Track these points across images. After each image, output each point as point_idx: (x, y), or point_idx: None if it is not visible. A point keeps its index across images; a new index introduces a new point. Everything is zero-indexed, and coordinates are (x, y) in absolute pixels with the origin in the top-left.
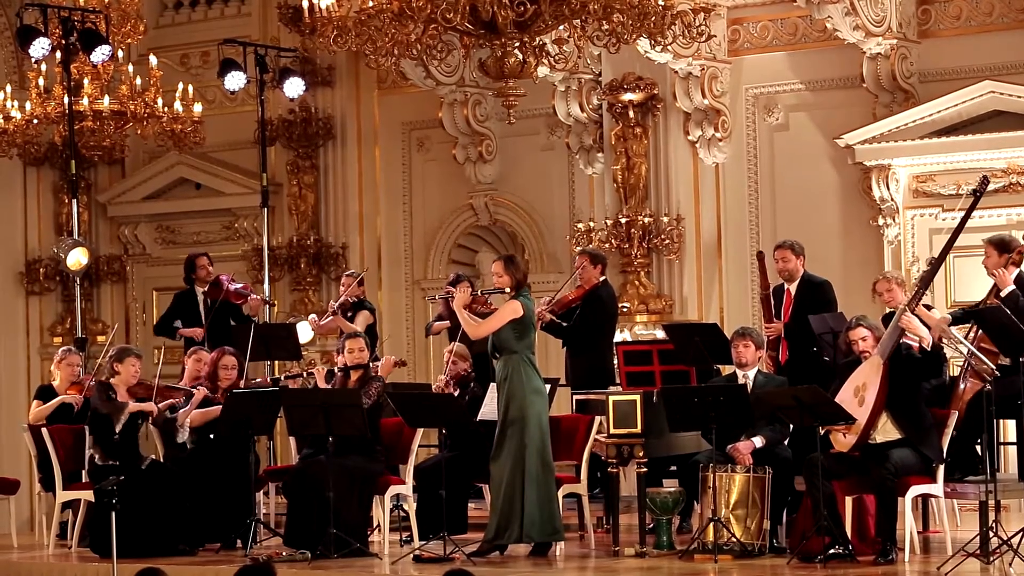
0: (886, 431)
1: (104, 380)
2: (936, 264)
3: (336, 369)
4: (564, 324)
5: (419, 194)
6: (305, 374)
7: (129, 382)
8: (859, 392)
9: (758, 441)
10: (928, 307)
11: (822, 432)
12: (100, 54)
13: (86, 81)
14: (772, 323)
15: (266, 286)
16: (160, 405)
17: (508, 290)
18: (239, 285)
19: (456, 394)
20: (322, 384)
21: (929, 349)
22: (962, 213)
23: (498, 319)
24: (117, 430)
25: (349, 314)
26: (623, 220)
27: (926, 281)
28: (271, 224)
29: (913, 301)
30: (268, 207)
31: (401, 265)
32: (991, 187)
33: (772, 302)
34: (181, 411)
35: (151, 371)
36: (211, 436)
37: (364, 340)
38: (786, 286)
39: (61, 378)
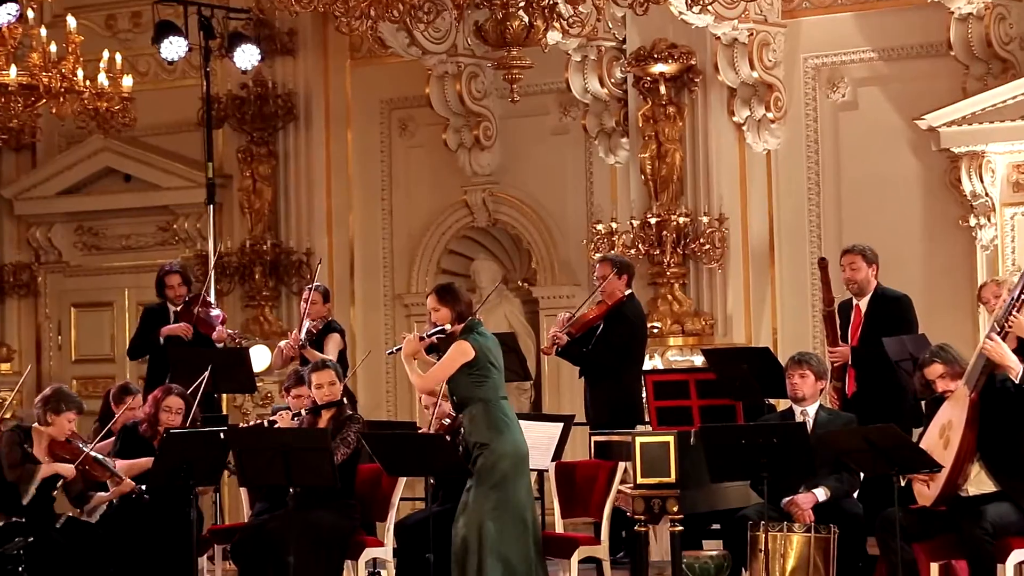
0: (980, 482)
1: (22, 427)
2: None
3: (303, 411)
4: (584, 349)
5: (401, 188)
6: (267, 423)
7: (58, 437)
8: (945, 432)
9: (821, 493)
10: None
11: (902, 483)
12: (4, 14)
13: None
14: (837, 347)
15: (217, 311)
16: (76, 468)
17: (449, 326)
18: (214, 313)
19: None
20: None
21: (1019, 382)
22: None
23: (444, 367)
24: (25, 501)
25: (314, 336)
26: (653, 220)
27: (1015, 300)
28: (218, 225)
29: (999, 324)
30: (215, 204)
31: (379, 276)
32: None
33: (837, 321)
34: (99, 494)
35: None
36: (142, 488)
37: (336, 371)
38: (855, 301)
39: None
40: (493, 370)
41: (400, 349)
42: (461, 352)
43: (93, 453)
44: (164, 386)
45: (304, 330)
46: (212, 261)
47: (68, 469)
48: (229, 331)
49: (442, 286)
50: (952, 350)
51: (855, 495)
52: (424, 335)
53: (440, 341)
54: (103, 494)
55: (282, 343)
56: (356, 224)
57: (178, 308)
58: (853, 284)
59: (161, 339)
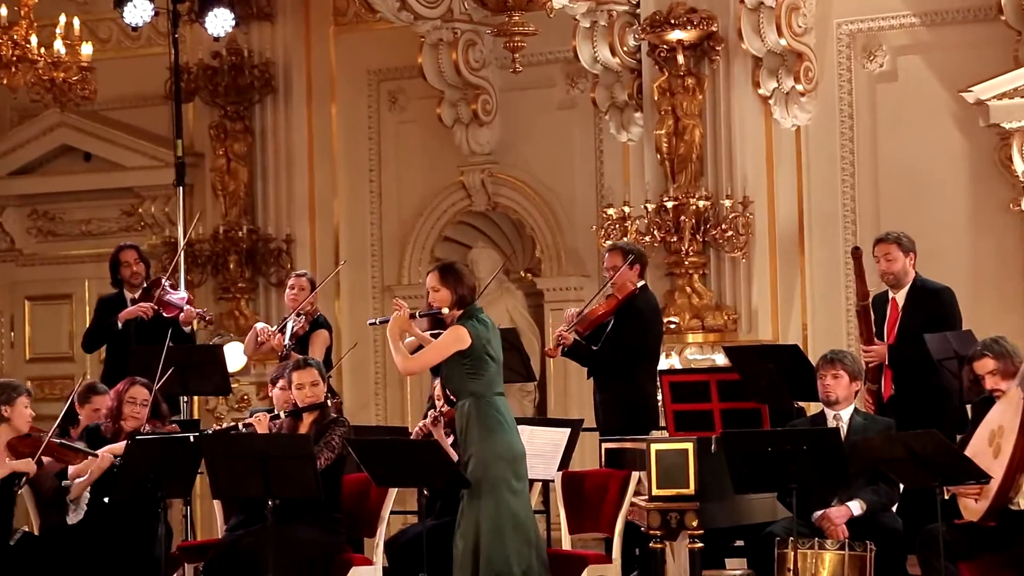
0: None
1: None
2: None
3: (282, 413)
4: (594, 348)
5: (391, 168)
6: (242, 426)
7: (21, 429)
8: (995, 439)
9: (856, 507)
10: None
11: (946, 495)
12: None
13: None
14: (872, 345)
15: (182, 293)
16: (45, 464)
17: (447, 310)
18: (178, 295)
19: (452, 441)
20: None
21: None
22: None
23: (436, 351)
24: None
25: (299, 337)
26: (669, 204)
27: None
28: (188, 209)
29: None
30: (184, 186)
31: (367, 266)
32: None
33: (872, 316)
34: (77, 481)
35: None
36: (105, 500)
37: (319, 370)
38: (891, 294)
39: None
40: (490, 363)
41: (386, 322)
42: (456, 338)
43: (57, 440)
44: (128, 378)
45: (289, 331)
46: (181, 245)
47: (26, 464)
48: (198, 310)
49: (445, 265)
50: (1006, 343)
51: (894, 509)
52: (417, 313)
53: (434, 324)
54: (82, 479)
55: (258, 325)
56: (341, 208)
57: (136, 295)
58: (889, 276)
59: (119, 324)
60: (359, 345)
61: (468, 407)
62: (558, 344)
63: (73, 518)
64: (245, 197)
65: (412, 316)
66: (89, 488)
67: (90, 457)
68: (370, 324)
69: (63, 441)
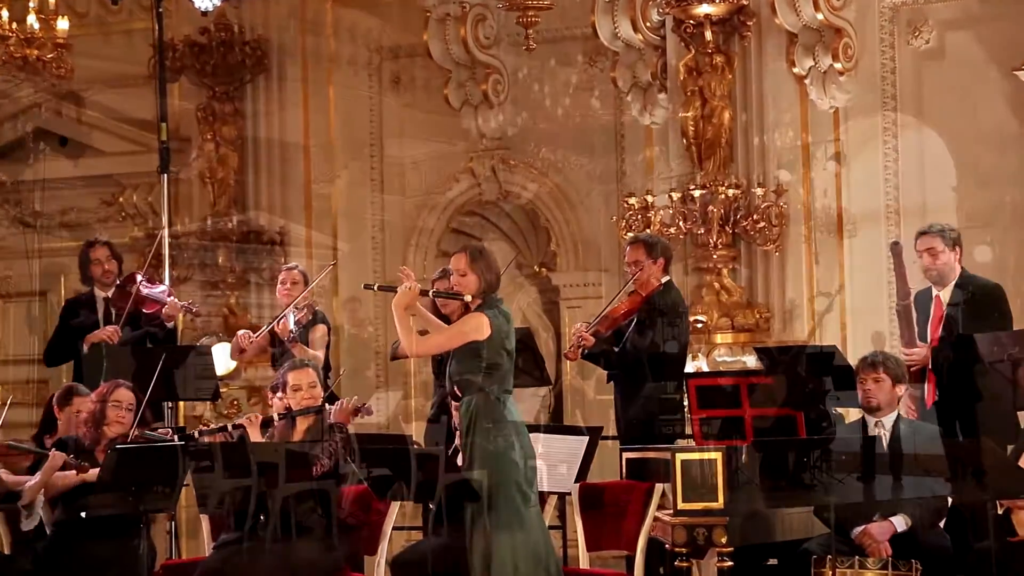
0: None
1: None
2: None
3: (276, 415)
4: (615, 349)
5: (394, 155)
6: (231, 428)
7: None
8: None
9: (899, 522)
10: None
11: (998, 510)
12: None
13: None
14: (914, 347)
15: (162, 286)
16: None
17: (470, 296)
18: (158, 289)
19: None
20: (257, 440)
21: None
22: None
23: (450, 337)
24: None
25: (301, 327)
26: (696, 193)
27: None
28: (174, 198)
29: None
30: (169, 173)
31: (368, 259)
32: None
33: (914, 316)
34: (29, 484)
35: None
36: (82, 515)
37: (316, 372)
38: (934, 291)
39: None
40: (505, 358)
41: (387, 290)
42: (476, 327)
43: (3, 442)
44: (111, 380)
45: (292, 319)
46: (164, 233)
47: None
48: (182, 303)
49: (477, 248)
50: None
51: (941, 524)
52: (431, 292)
53: (434, 308)
54: (32, 483)
55: (240, 332)
56: (339, 198)
57: (108, 293)
58: (932, 272)
59: (85, 348)
60: (358, 345)
61: (474, 404)
62: (578, 346)
63: (27, 524)
64: (235, 185)
65: (423, 293)
66: (43, 493)
67: (41, 454)
68: (365, 288)
69: (10, 442)
